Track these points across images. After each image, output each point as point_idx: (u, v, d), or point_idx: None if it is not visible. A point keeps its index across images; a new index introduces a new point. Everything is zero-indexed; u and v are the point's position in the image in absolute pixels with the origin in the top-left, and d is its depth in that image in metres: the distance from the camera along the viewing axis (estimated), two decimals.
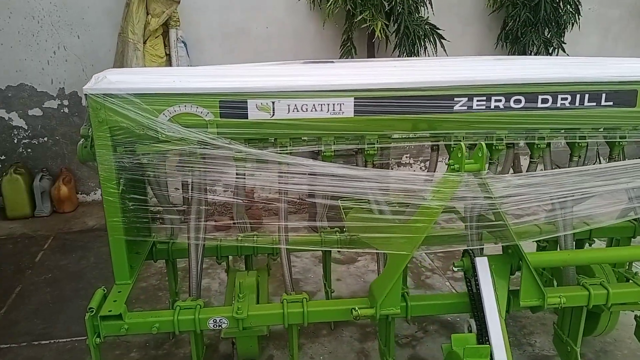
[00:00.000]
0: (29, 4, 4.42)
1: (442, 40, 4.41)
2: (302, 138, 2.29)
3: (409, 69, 2.38)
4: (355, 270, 3.59)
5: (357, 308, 2.11)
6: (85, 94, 2.03)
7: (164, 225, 2.65)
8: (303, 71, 2.40)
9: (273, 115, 2.11)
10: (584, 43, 5.21)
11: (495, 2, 4.69)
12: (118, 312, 2.10)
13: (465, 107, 2.16)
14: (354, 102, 2.12)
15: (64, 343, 2.80)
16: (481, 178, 1.93)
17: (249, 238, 2.76)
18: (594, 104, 2.22)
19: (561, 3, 4.57)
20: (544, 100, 2.20)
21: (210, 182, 2.28)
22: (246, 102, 2.09)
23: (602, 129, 2.38)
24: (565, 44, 4.68)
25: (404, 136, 2.43)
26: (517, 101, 2.18)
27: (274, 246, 2.69)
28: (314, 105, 2.11)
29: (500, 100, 2.18)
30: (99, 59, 4.58)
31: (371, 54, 4.59)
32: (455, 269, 2.21)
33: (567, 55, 4.70)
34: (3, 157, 4.75)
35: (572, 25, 4.70)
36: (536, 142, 2.33)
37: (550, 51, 4.57)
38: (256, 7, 4.71)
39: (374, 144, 2.27)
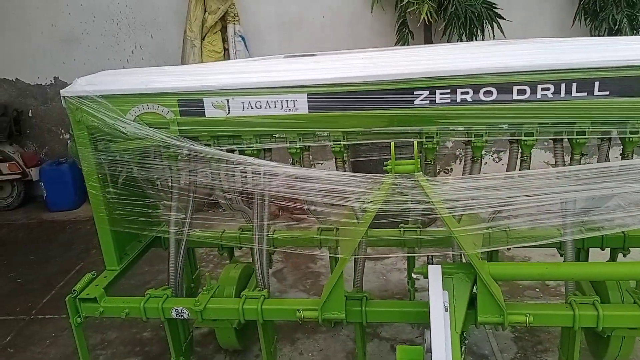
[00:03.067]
0: (109, 9, 4.88)
1: (498, 20, 4.02)
2: (274, 135, 2.28)
3: (372, 61, 2.22)
4: (382, 268, 3.48)
5: (301, 309, 2.08)
6: (63, 97, 2.23)
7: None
8: (262, 67, 2.36)
9: (229, 112, 2.14)
10: None
11: None
12: (94, 295, 2.30)
13: (428, 101, 1.99)
14: (307, 98, 2.06)
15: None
16: (415, 180, 1.77)
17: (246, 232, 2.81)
18: (585, 93, 1.91)
19: None
20: (521, 92, 1.94)
21: (186, 178, 2.39)
22: (202, 100, 2.14)
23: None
24: None
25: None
26: (488, 93, 1.95)
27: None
28: (267, 102, 2.10)
29: (467, 93, 1.96)
30: (169, 57, 4.92)
31: (428, 38, 4.34)
32: (414, 276, 2.06)
33: None
34: None
35: None
36: (523, 138, 2.06)
37: (635, 28, 3.93)
38: None
39: (339, 140, 2.18)
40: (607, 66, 1.86)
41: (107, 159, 2.31)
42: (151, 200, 2.50)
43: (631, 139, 2.00)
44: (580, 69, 1.87)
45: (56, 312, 3.29)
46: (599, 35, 4.11)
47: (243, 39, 4.69)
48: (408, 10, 4.02)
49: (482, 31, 4.05)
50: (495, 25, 4.07)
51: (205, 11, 4.50)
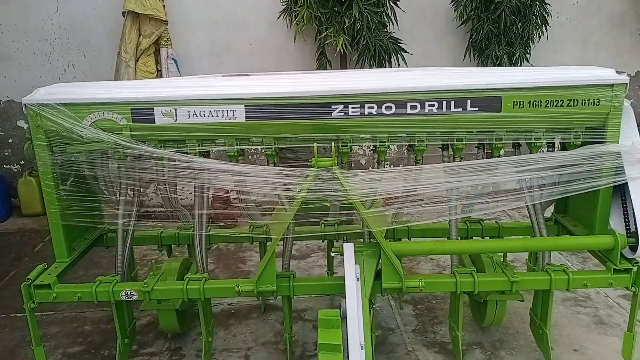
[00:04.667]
0: (43, 29, 5.07)
1: (402, 53, 4.69)
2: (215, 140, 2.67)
3: (299, 80, 2.71)
4: (305, 265, 3.92)
5: (238, 285, 2.46)
6: (24, 104, 2.51)
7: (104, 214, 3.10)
8: (206, 83, 2.77)
9: (176, 120, 2.51)
10: (561, 54, 5.32)
11: (462, 15, 4.92)
12: (47, 282, 2.55)
13: (342, 114, 2.48)
14: (245, 108, 2.49)
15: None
16: (333, 173, 2.25)
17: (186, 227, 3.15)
18: (460, 109, 2.48)
19: (527, 14, 4.73)
20: (413, 107, 2.48)
21: (133, 178, 2.71)
22: (153, 109, 2.50)
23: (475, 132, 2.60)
24: (529, 54, 4.84)
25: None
26: (388, 108, 2.48)
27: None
28: (210, 111, 2.50)
29: (372, 107, 2.48)
30: (102, 76, 5.16)
31: (343, 66, 4.92)
32: (333, 254, 2.51)
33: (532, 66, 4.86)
34: (22, 162, 5.41)
35: (540, 36, 4.86)
36: (416, 144, 2.60)
37: (513, 62, 4.74)
38: (240, 25, 5.16)
39: (271, 145, 2.61)
40: (475, 88, 2.45)
41: (61, 160, 2.59)
42: (102, 196, 2.80)
43: (496, 145, 2.61)
44: (457, 90, 2.45)
45: None
46: None
47: (175, 61, 5.04)
48: (326, 42, 4.58)
49: (389, 62, 4.69)
50: (400, 57, 4.73)
51: (140, 35, 4.82)
